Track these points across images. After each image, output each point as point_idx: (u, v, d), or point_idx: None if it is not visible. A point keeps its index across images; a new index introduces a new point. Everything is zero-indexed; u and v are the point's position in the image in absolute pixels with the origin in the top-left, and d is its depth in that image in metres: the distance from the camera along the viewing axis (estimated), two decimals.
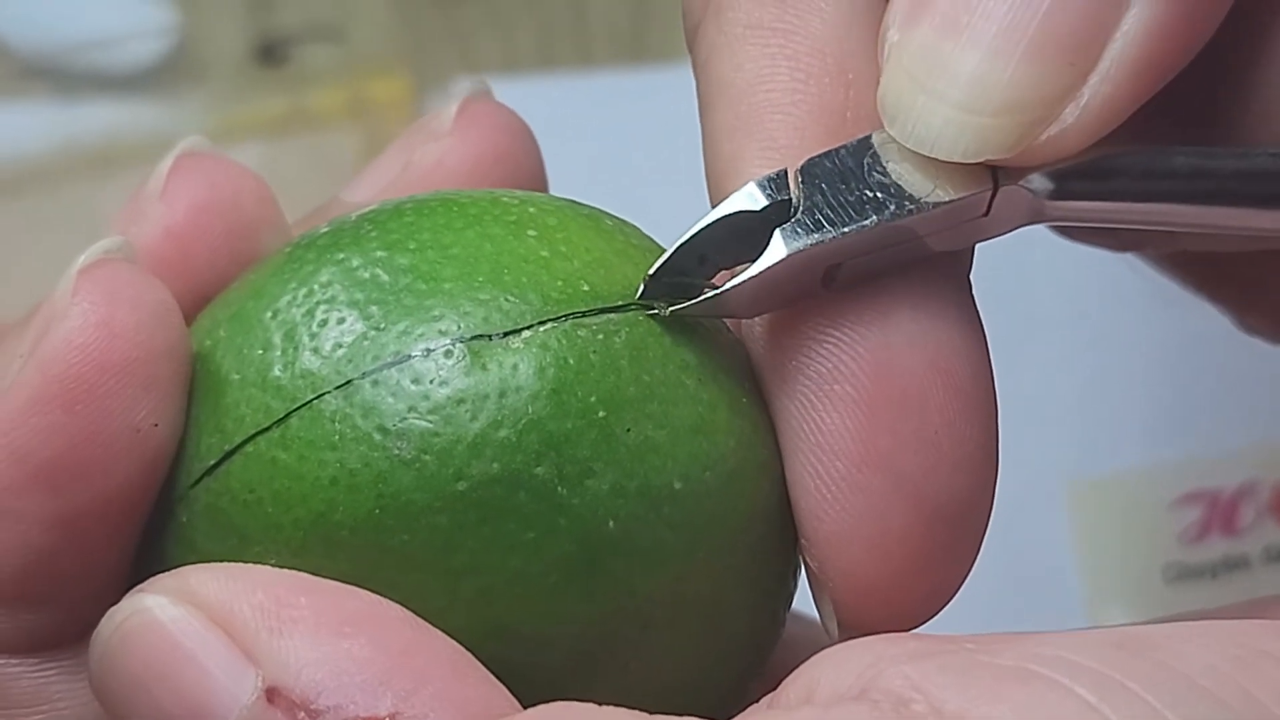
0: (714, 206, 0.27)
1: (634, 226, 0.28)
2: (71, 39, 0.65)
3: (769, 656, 0.28)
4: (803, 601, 0.28)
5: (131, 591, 0.25)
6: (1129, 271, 0.58)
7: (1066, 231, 0.33)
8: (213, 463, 0.25)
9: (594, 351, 0.25)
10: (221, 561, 0.25)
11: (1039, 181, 0.26)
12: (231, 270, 0.28)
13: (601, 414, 0.25)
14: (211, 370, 0.26)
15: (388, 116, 0.63)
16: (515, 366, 0.25)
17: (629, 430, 0.25)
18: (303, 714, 0.23)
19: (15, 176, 0.61)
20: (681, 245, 0.26)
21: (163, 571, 0.25)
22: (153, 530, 0.26)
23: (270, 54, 0.66)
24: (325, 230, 0.27)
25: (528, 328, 0.25)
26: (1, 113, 0.64)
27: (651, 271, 0.26)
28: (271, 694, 0.23)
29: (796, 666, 0.24)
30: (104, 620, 0.25)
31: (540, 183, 0.31)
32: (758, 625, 0.27)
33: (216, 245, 0.28)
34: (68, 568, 0.25)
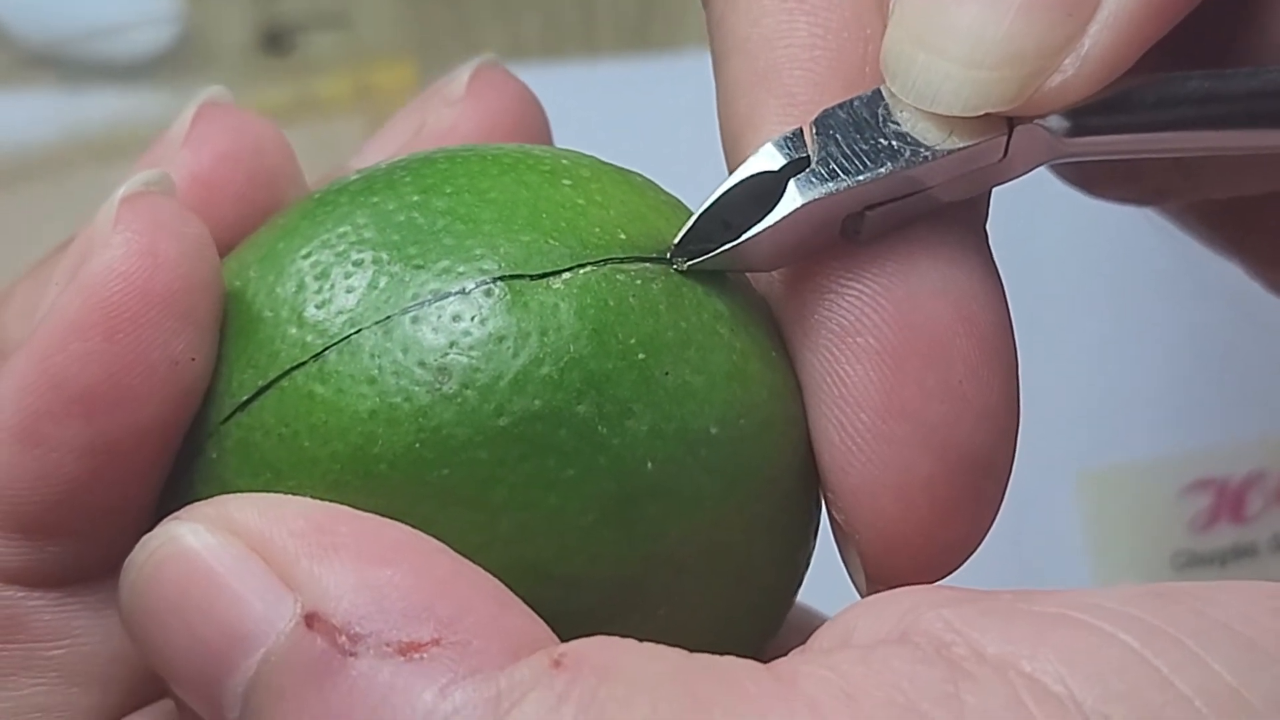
0: (730, 162, 0.27)
1: (659, 185, 0.28)
2: (76, 27, 0.65)
3: (786, 614, 0.28)
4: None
5: (166, 519, 0.24)
6: (1140, 261, 0.58)
7: (1089, 185, 0.33)
8: (245, 398, 0.25)
9: (633, 295, 0.25)
10: None
11: (1055, 120, 0.25)
12: (252, 219, 0.28)
13: (641, 356, 0.25)
14: (242, 309, 0.26)
15: (393, 104, 0.63)
16: (556, 306, 0.25)
17: (667, 373, 0.25)
18: (343, 638, 0.22)
19: (20, 165, 0.61)
20: (704, 211, 0.26)
21: None
22: (180, 467, 0.26)
23: (275, 42, 0.66)
24: (355, 177, 0.27)
25: (568, 269, 0.25)
26: (7, 101, 0.64)
27: (676, 241, 0.26)
28: (311, 619, 0.23)
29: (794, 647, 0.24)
30: (137, 547, 0.24)
31: None
32: (781, 578, 0.28)
33: (240, 193, 0.28)
34: (96, 500, 0.25)
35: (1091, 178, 0.33)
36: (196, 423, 0.26)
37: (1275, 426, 0.58)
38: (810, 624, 0.29)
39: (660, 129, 0.55)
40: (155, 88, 0.65)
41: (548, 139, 0.31)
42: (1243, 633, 0.21)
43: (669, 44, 0.67)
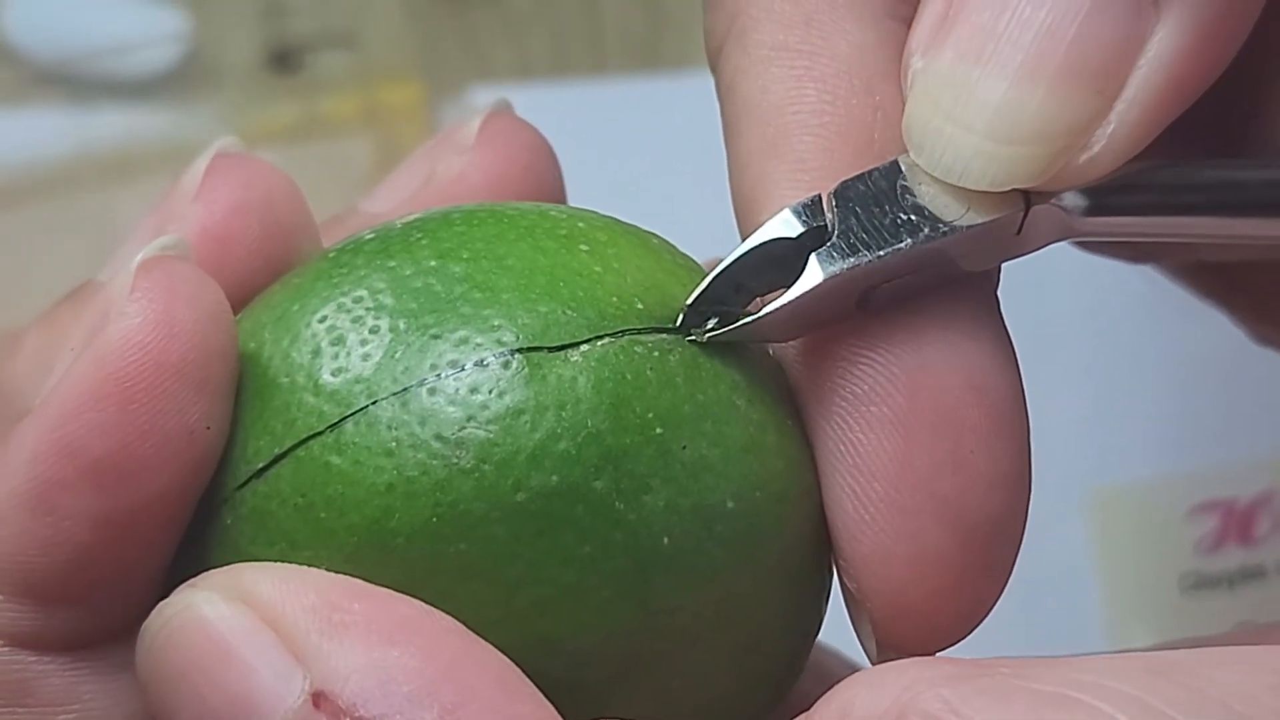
0: (741, 228, 0.27)
1: (674, 246, 0.28)
2: (85, 46, 0.65)
3: (796, 681, 0.28)
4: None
5: (182, 586, 0.24)
6: (1147, 284, 0.58)
7: (1083, 244, 0.33)
8: (261, 465, 0.25)
9: (650, 368, 0.25)
10: None
11: (1071, 199, 0.26)
12: (265, 273, 0.28)
13: (658, 430, 0.25)
14: (257, 372, 0.26)
15: (401, 123, 0.63)
16: (575, 380, 0.25)
17: (684, 447, 0.25)
18: None
19: (30, 183, 0.61)
20: (718, 274, 0.26)
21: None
22: (194, 533, 0.26)
23: (284, 61, 0.66)
24: (371, 236, 0.27)
25: (586, 341, 0.25)
26: (16, 119, 0.64)
27: (689, 301, 0.26)
28: (318, 698, 0.23)
29: (809, 695, 0.24)
30: (153, 614, 0.24)
31: (560, 200, 0.31)
32: (793, 648, 0.27)
33: (253, 247, 0.28)
34: (107, 568, 0.25)
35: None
36: (211, 487, 0.26)
37: None
38: (826, 668, 0.29)
39: (668, 148, 0.55)
40: (163, 106, 0.65)
41: (559, 187, 0.31)
42: (1242, 712, 0.21)
43: (677, 63, 0.67)
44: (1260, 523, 0.57)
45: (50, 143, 0.62)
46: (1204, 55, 0.25)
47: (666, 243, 0.28)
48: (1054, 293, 0.58)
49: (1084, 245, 0.33)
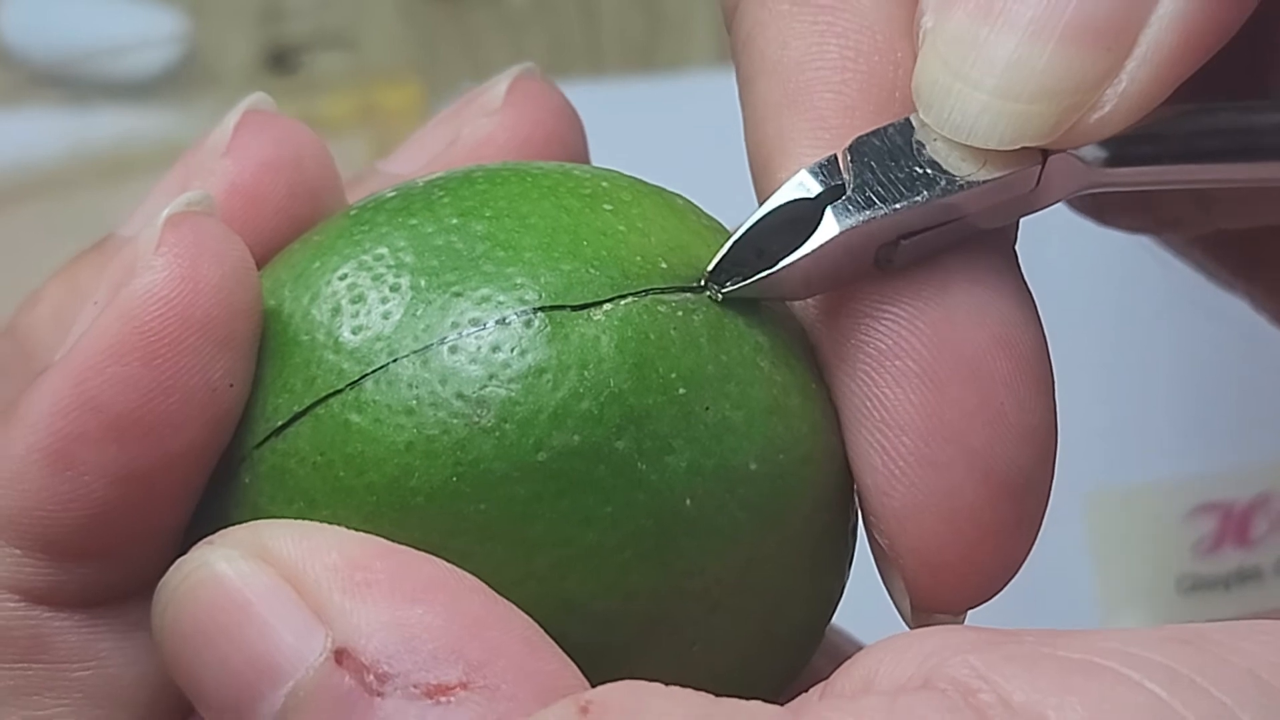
0: (758, 186, 0.27)
1: (699, 207, 0.28)
2: (82, 47, 0.65)
3: (816, 649, 0.28)
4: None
5: (200, 543, 0.24)
6: (1146, 286, 0.58)
7: (1100, 214, 0.33)
8: (280, 423, 0.25)
9: (674, 328, 0.25)
10: None
11: (1089, 150, 0.25)
12: (291, 231, 0.28)
13: (682, 391, 0.25)
14: (277, 330, 0.26)
15: (398, 124, 0.63)
16: (597, 339, 0.24)
17: (708, 409, 0.25)
18: (372, 677, 0.22)
19: (26, 183, 0.61)
20: (739, 238, 0.26)
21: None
22: (212, 490, 0.26)
23: (280, 62, 0.66)
24: (392, 195, 0.27)
25: (609, 300, 0.25)
26: (12, 120, 0.64)
27: (710, 267, 0.26)
28: (340, 655, 0.22)
29: (819, 671, 0.23)
30: (171, 570, 0.24)
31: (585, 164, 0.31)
32: (813, 615, 0.27)
33: (280, 204, 0.28)
34: (126, 525, 0.25)
35: (1104, 207, 0.33)
36: (230, 446, 0.25)
37: None
38: (835, 646, 0.29)
39: (665, 150, 0.54)
40: (160, 107, 0.65)
41: (585, 152, 0.31)
42: (1269, 682, 0.21)
43: (675, 65, 0.67)
44: (1257, 525, 0.57)
45: (47, 143, 0.62)
46: (1217, 12, 0.24)
47: (691, 204, 0.28)
48: (1051, 296, 0.58)
49: (1100, 216, 0.33)
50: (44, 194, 0.61)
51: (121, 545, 0.25)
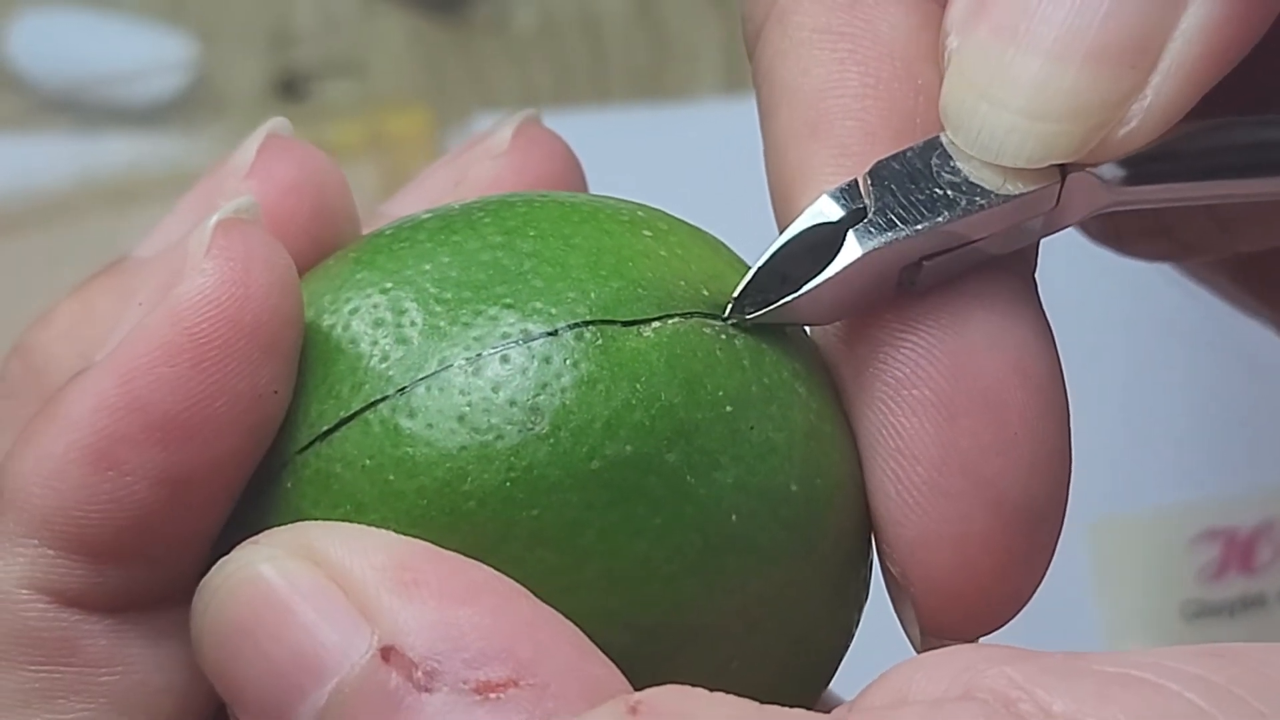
0: (778, 213, 0.27)
1: (726, 244, 0.28)
2: (91, 73, 0.65)
3: (833, 675, 0.28)
4: None
5: (244, 544, 0.24)
6: (1148, 315, 0.58)
7: (1120, 243, 0.33)
8: (326, 428, 0.25)
9: (719, 349, 0.25)
10: None
11: (1108, 168, 0.26)
12: (312, 253, 0.28)
13: (729, 409, 0.25)
14: (317, 340, 0.26)
15: (407, 151, 0.63)
16: (647, 354, 0.25)
17: (752, 428, 0.25)
18: (420, 674, 0.22)
19: (35, 209, 0.61)
20: (762, 265, 0.26)
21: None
22: (249, 498, 0.26)
23: (289, 89, 0.67)
24: (429, 216, 0.27)
25: (657, 319, 0.25)
26: (21, 146, 0.64)
27: (735, 294, 0.26)
28: (387, 652, 0.22)
29: (825, 700, 0.23)
30: (213, 570, 0.24)
31: None
32: (834, 646, 0.27)
33: (304, 226, 0.28)
34: (163, 528, 0.25)
35: (1123, 235, 0.33)
36: (270, 452, 0.25)
37: None
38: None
39: (671, 178, 0.55)
40: (169, 134, 0.65)
41: None
42: None
43: (680, 93, 0.67)
44: (1262, 552, 0.57)
45: (56, 169, 0.62)
46: (1239, 25, 0.25)
47: (719, 240, 0.28)
48: (1059, 326, 0.58)
49: (1119, 245, 0.33)
50: (52, 220, 0.61)
51: (157, 549, 0.25)
